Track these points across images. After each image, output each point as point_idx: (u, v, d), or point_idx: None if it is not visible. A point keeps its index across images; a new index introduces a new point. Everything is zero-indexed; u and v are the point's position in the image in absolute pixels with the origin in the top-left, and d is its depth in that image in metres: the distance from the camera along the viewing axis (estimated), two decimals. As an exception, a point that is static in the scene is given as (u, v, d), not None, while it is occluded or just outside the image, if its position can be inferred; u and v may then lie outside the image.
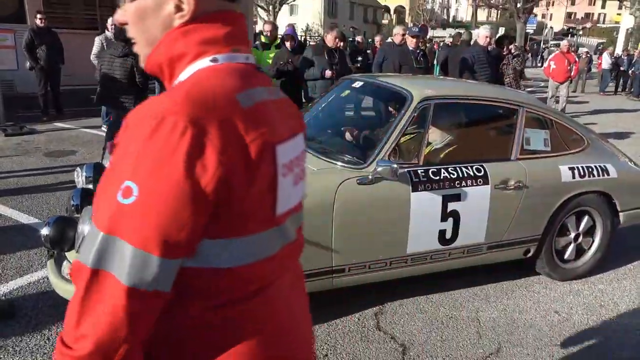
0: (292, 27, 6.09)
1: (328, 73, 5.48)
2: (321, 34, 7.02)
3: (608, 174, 3.21)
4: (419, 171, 2.70)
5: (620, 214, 3.34)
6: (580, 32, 52.07)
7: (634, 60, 16.48)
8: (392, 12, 61.03)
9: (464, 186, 2.77)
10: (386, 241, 2.69)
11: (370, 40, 18.48)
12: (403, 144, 2.82)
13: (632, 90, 15.94)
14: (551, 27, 41.16)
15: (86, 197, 2.55)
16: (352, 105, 4.72)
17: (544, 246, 3.15)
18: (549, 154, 3.11)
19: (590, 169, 3.15)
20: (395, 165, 2.48)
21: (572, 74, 8.80)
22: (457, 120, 3.11)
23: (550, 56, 10.04)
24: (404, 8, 60.23)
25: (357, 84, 3.33)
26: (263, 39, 6.46)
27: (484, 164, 2.87)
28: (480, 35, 6.42)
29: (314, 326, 2.56)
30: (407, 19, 54.00)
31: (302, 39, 24.44)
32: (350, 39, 11.73)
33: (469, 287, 3.14)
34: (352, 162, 2.70)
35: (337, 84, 3.74)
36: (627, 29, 30.59)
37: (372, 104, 5.22)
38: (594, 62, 19.99)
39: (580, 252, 3.35)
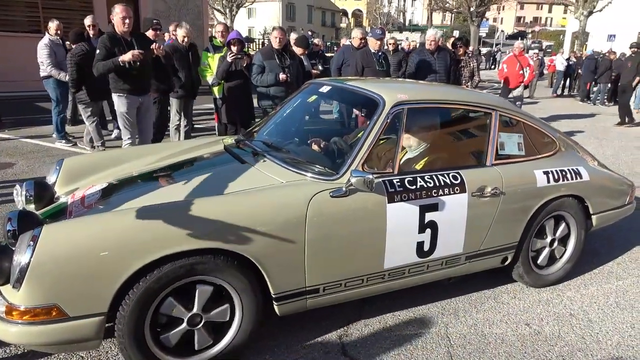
0: (237, 31, 5.81)
1: (282, 76, 5.30)
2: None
3: (581, 177, 3.16)
4: (395, 181, 2.55)
5: (593, 216, 3.31)
6: (530, 35, 53.96)
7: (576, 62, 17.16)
8: (349, 15, 61.49)
9: (440, 195, 2.64)
10: (362, 257, 2.52)
11: (329, 43, 18.46)
12: (375, 152, 2.65)
13: (579, 92, 16.53)
14: (502, 31, 42.39)
15: (26, 220, 2.25)
16: (318, 111, 4.54)
17: (520, 253, 3.06)
18: (523, 159, 3.03)
19: (564, 173, 3.09)
20: (371, 176, 2.31)
21: (526, 79, 8.58)
22: (431, 126, 2.97)
23: (503, 59, 9.97)
24: (361, 12, 60.81)
25: (325, 89, 3.16)
26: (215, 42, 6.27)
27: (460, 171, 2.74)
28: (426, 38, 6.54)
29: (273, 354, 2.37)
30: (365, 23, 54.53)
31: (260, 43, 24.09)
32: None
33: (436, 300, 3.02)
34: (324, 173, 2.52)
35: (302, 89, 3.55)
36: (573, 33, 31.96)
37: (339, 109, 5.06)
38: (544, 65, 20.66)
39: (554, 257, 3.30)
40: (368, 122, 2.62)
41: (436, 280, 2.90)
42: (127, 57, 4.48)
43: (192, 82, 6.11)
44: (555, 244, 3.24)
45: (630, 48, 11.74)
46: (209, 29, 17.11)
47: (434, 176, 2.66)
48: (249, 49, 6.45)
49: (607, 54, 14.91)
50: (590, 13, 25.76)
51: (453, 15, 45.42)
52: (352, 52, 6.57)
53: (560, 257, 3.29)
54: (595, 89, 15.56)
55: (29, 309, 1.96)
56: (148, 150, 3.35)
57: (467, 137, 3.10)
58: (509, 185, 2.86)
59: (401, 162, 2.69)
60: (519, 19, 70.14)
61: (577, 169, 3.18)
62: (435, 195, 2.62)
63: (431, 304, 2.98)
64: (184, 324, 2.19)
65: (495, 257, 2.98)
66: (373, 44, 5.98)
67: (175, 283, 2.11)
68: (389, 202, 2.49)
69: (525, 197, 2.94)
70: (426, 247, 2.67)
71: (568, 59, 18.07)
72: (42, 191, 2.79)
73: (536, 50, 20.23)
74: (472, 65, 7.75)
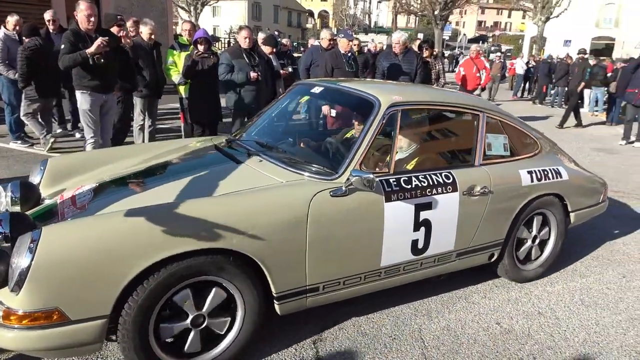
0: (204, 29, 5.71)
1: (253, 75, 5.25)
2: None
3: (561, 177, 3.31)
4: (391, 180, 2.60)
5: (571, 214, 3.46)
6: (490, 39, 55.56)
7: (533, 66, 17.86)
8: (315, 16, 61.65)
9: (434, 194, 2.71)
10: (361, 255, 2.56)
11: (295, 43, 18.43)
12: (370, 152, 2.70)
13: (535, 95, 17.20)
14: (464, 34, 43.51)
15: (17, 223, 2.18)
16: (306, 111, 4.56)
17: (506, 250, 3.18)
18: (508, 159, 3.14)
19: (545, 172, 3.22)
20: (371, 176, 2.36)
21: (483, 81, 8.67)
22: (423, 127, 3.05)
23: (461, 62, 10.09)
24: (327, 12, 61.09)
25: (317, 90, 3.18)
26: (181, 39, 6.15)
27: (451, 171, 2.83)
28: (393, 41, 6.60)
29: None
30: (331, 24, 54.80)
31: (226, 42, 23.85)
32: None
33: (409, 301, 3.04)
34: (322, 172, 2.55)
35: (290, 90, 3.57)
36: (531, 37, 33.16)
37: (307, 109, 5.00)
38: (506, 68, 21.37)
39: (537, 253, 3.44)
40: (364, 123, 2.66)
41: (427, 278, 2.97)
42: (93, 48, 4.34)
43: (157, 81, 5.95)
44: (538, 240, 3.38)
45: (578, 54, 12.26)
46: (173, 27, 16.77)
47: (427, 176, 2.73)
48: (216, 49, 6.24)
49: (564, 59, 15.55)
50: (548, 19, 26.77)
51: (417, 18, 46.27)
52: (320, 52, 6.56)
53: (542, 253, 3.43)
54: (552, 91, 16.21)
55: (28, 313, 1.90)
56: (135, 151, 3.30)
57: (457, 138, 3.19)
58: (497, 184, 2.96)
59: (396, 161, 2.74)
60: (480, 23, 72.09)
61: (557, 168, 3.32)
62: (429, 194, 2.69)
63: (404, 305, 3.00)
64: (188, 321, 2.18)
65: (483, 254, 3.08)
66: (344, 45, 5.97)
67: (181, 283, 2.09)
68: (386, 201, 2.54)
69: (511, 195, 3.06)
70: (420, 245, 2.73)
71: (527, 63, 18.76)
72: (28, 192, 2.70)
73: (498, 54, 20.85)
74: (437, 67, 7.78)
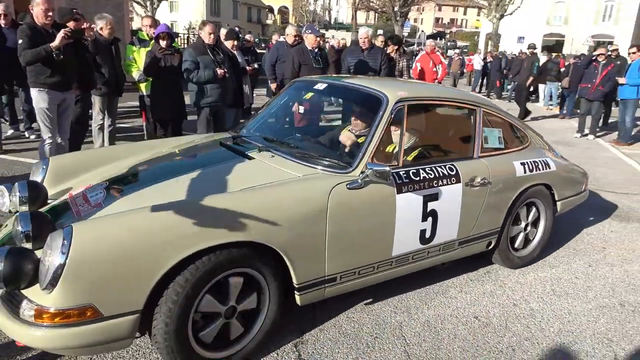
0: (165, 24, 5.63)
1: (221, 72, 5.15)
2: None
3: (549, 167, 3.51)
4: (401, 173, 2.70)
5: (558, 202, 3.68)
6: (447, 36, 56.85)
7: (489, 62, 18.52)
8: (275, 12, 61.32)
9: (440, 185, 2.84)
10: (374, 245, 2.66)
11: (257, 39, 18.22)
12: (379, 146, 2.79)
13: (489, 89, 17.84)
14: (422, 31, 44.37)
15: (39, 221, 2.15)
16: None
17: (502, 238, 3.35)
18: (503, 151, 3.31)
19: (536, 164, 3.42)
20: (387, 168, 2.45)
21: (439, 76, 8.65)
22: (426, 121, 3.17)
23: (417, 57, 10.11)
24: (287, 8, 60.84)
25: (321, 86, 3.25)
26: (141, 35, 5.95)
27: (454, 163, 2.96)
28: (359, 36, 6.65)
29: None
30: (291, 19, 54.60)
31: (186, 38, 23.33)
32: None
33: (387, 298, 3.05)
34: (335, 166, 2.62)
35: (289, 86, 3.62)
36: (487, 34, 34.29)
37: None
38: (465, 64, 22.01)
39: (528, 240, 3.64)
40: (373, 118, 2.75)
41: (432, 266, 3.10)
42: (57, 41, 4.16)
43: (117, 78, 5.67)
44: (529, 228, 3.57)
45: (528, 49, 12.73)
46: (130, 22, 16.29)
47: (433, 168, 2.85)
48: (177, 45, 6.07)
49: (519, 55, 16.19)
50: (502, 16, 27.58)
51: (377, 14, 46.82)
52: (286, 49, 6.50)
53: (533, 239, 3.64)
54: (509, 87, 16.85)
55: (61, 310, 1.89)
56: (136, 149, 3.27)
57: (457, 132, 3.33)
58: (494, 175, 3.12)
59: (404, 155, 2.84)
60: (437, 20, 73.61)
61: (545, 160, 3.52)
62: (436, 185, 2.81)
63: (382, 302, 3.00)
64: (222, 318, 2.21)
65: (482, 242, 3.24)
66: (311, 41, 5.91)
67: (218, 275, 2.12)
68: (397, 193, 2.65)
69: (507, 186, 3.23)
70: (427, 235, 2.86)
71: (484, 59, 19.38)
72: (35, 192, 2.65)
73: (457, 51, 21.41)
74: (402, 64, 7.76)
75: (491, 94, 17.12)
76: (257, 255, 2.25)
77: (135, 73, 5.74)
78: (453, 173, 2.91)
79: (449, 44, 43.58)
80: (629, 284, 3.47)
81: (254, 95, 8.07)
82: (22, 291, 1.99)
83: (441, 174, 2.85)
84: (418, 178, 2.75)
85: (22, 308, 1.96)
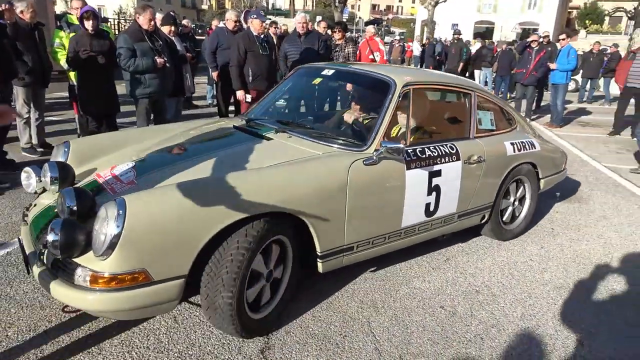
0: (90, 6, 5.10)
1: (160, 61, 4.84)
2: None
3: (534, 147, 3.84)
4: (409, 151, 2.95)
5: (541, 180, 4.02)
6: (384, 23, 56.91)
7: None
8: (212, -3, 59.60)
9: (443, 163, 3.10)
10: (386, 217, 2.89)
11: (193, 25, 17.47)
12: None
13: None
14: (360, 17, 44.37)
15: (82, 197, 2.30)
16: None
17: (493, 212, 3.65)
18: (495, 132, 3.61)
19: (523, 144, 3.73)
20: (401, 145, 2.69)
21: (378, 61, 8.31)
22: (429, 103, 3.42)
23: (359, 44, 9.93)
24: (224, -7, 59.23)
25: (328, 72, 3.46)
26: (70, 19, 5.51)
27: (454, 143, 3.23)
28: (296, 21, 6.52)
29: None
30: (227, 5, 53.23)
31: (116, 24, 22.15)
32: None
33: (353, 293, 3.00)
34: (351, 144, 2.84)
35: (293, 73, 3.81)
36: (422, 21, 35.24)
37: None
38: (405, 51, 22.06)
39: (515, 215, 3.96)
40: (383, 101, 2.98)
41: (433, 238, 3.36)
42: None
43: (42, 67, 5.19)
44: (517, 203, 3.89)
45: (454, 35, 12.95)
46: (52, 6, 15.44)
47: (437, 147, 3.11)
48: (107, 28, 5.59)
49: (453, 41, 16.64)
50: (437, 3, 27.87)
51: (315, 0, 46.44)
52: (227, 35, 6.22)
53: (519, 214, 3.96)
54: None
55: (115, 275, 2.03)
56: (153, 132, 3.40)
57: (455, 114, 3.59)
58: (488, 154, 3.41)
59: (410, 135, 3.09)
60: (374, 6, 73.22)
61: (531, 141, 3.84)
62: (439, 162, 3.07)
63: (348, 297, 2.95)
64: (263, 280, 2.41)
65: (477, 216, 3.53)
66: (257, 26, 5.57)
67: (267, 241, 2.33)
68: (407, 169, 2.89)
69: (499, 164, 3.53)
70: (432, 208, 3.12)
71: (423, 45, 19.18)
72: (64, 172, 2.76)
73: (397, 37, 21.23)
74: (347, 50, 7.46)
75: None
76: (287, 225, 2.46)
77: (64, 60, 5.26)
78: (453, 152, 3.17)
79: (383, 29, 43.77)
80: (579, 263, 3.61)
81: (195, 83, 7.85)
82: (74, 259, 2.14)
83: (443, 152, 3.11)
84: (424, 156, 3.00)
85: (76, 275, 2.09)
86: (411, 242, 3.16)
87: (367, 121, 3.25)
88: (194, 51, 7.98)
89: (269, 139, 2.99)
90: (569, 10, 46.08)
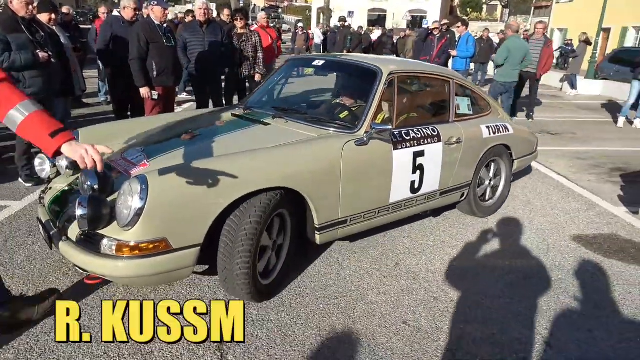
0: None
1: (43, 55, 4.15)
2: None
3: (508, 131, 4.18)
4: (395, 133, 3.24)
5: (515, 161, 4.36)
6: (280, 10, 56.39)
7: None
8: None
9: (426, 144, 3.40)
10: (376, 193, 3.19)
11: (74, 12, 16.10)
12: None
13: None
14: (255, 4, 43.84)
15: (102, 176, 2.53)
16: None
17: (471, 190, 3.98)
18: (472, 117, 3.93)
19: (498, 127, 4.07)
20: (389, 127, 2.99)
21: (277, 52, 8.14)
22: (412, 90, 3.72)
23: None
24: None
25: (319, 63, 3.74)
26: None
27: (436, 126, 3.54)
28: (195, 7, 5.94)
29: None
30: None
31: None
32: None
33: (307, 320, 2.68)
34: (344, 127, 3.13)
35: (284, 65, 4.08)
36: (318, 8, 35.76)
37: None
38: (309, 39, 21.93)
39: (491, 194, 4.31)
40: (371, 88, 3.27)
41: (416, 214, 3.67)
42: None
43: None
44: (492, 182, 4.23)
45: (339, 21, 13.02)
46: None
47: (420, 129, 3.41)
48: None
49: (359, 29, 17.04)
50: None
51: None
52: (123, 25, 5.50)
53: (495, 193, 4.31)
54: None
55: (139, 243, 2.29)
56: (156, 122, 3.62)
57: (435, 100, 3.91)
58: (467, 136, 3.73)
59: (396, 118, 3.38)
60: None
61: (505, 124, 4.19)
62: (423, 144, 3.38)
63: (303, 325, 2.62)
64: (270, 250, 2.69)
65: (457, 193, 3.85)
66: (158, 14, 5.00)
67: (273, 213, 2.60)
68: (394, 149, 3.19)
69: (476, 145, 3.85)
70: (416, 185, 3.42)
71: (325, 33, 19.40)
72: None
73: (301, 25, 20.57)
74: (254, 39, 6.83)
75: None
76: (289, 200, 2.73)
77: None
78: (435, 134, 3.49)
79: (273, 16, 43.36)
80: (520, 254, 3.61)
81: (84, 79, 6.87)
82: (99, 232, 2.37)
83: (426, 135, 3.42)
84: (409, 137, 3.30)
85: (102, 245, 2.34)
86: (398, 216, 3.46)
87: (355, 108, 3.53)
88: (79, 42, 7.34)
89: (267, 124, 3.26)
90: (452, -1, 48.80)
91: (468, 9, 44.59)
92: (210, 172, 2.46)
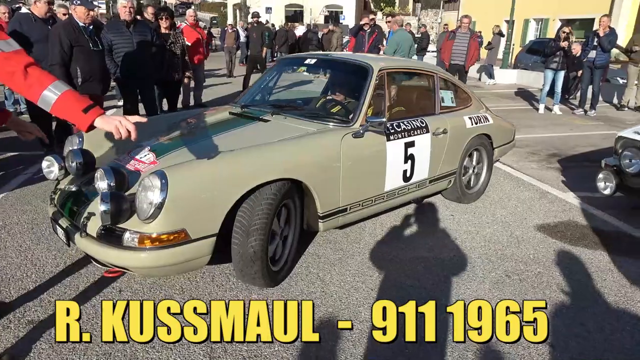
0: None
1: None
2: None
3: (488, 121, 4.45)
4: (388, 125, 3.46)
5: (495, 149, 4.64)
6: (193, 7, 55.07)
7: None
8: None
9: (416, 135, 3.63)
10: (372, 182, 3.40)
11: None
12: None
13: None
14: (165, 1, 42.66)
15: (118, 175, 2.65)
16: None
17: (457, 177, 4.23)
18: (456, 108, 4.19)
19: (479, 118, 4.33)
20: (384, 119, 3.20)
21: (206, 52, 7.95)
22: (401, 85, 3.95)
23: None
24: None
25: (311, 61, 3.92)
26: None
27: (424, 118, 3.77)
28: (119, 5, 5.30)
29: None
30: None
31: None
32: None
33: (287, 349, 2.40)
34: (341, 121, 3.33)
35: (276, 64, 4.25)
36: (234, 5, 35.23)
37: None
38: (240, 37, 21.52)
39: (475, 181, 4.58)
40: (363, 83, 3.47)
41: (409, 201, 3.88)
42: None
43: None
44: (476, 170, 4.50)
45: (252, 18, 12.59)
46: None
47: (410, 121, 3.64)
48: None
49: (284, 26, 17.25)
50: None
51: None
52: (34, 23, 5.03)
53: (479, 180, 4.58)
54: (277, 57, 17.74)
55: (160, 235, 2.43)
56: (157, 122, 3.73)
57: (423, 93, 4.15)
58: (451, 127, 3.98)
59: (388, 111, 3.60)
60: None
61: (485, 115, 4.46)
62: (413, 135, 3.61)
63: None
64: (278, 238, 2.86)
65: (444, 181, 4.10)
66: (82, 15, 4.58)
67: (281, 203, 2.77)
68: (387, 141, 3.40)
69: (460, 135, 4.11)
70: (408, 174, 3.65)
71: (246, 29, 18.32)
72: (87, 158, 3.09)
73: (230, 23, 20.23)
74: (181, 40, 6.55)
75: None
76: (294, 190, 2.91)
77: None
78: (423, 125, 3.72)
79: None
80: (494, 250, 3.57)
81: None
82: (120, 225, 2.50)
83: (415, 126, 3.65)
84: (400, 129, 3.52)
85: (125, 238, 2.47)
86: (392, 204, 3.68)
87: (347, 103, 3.74)
88: None
89: (266, 120, 3.42)
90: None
91: (382, 4, 44.21)
92: (224, 165, 2.62)
